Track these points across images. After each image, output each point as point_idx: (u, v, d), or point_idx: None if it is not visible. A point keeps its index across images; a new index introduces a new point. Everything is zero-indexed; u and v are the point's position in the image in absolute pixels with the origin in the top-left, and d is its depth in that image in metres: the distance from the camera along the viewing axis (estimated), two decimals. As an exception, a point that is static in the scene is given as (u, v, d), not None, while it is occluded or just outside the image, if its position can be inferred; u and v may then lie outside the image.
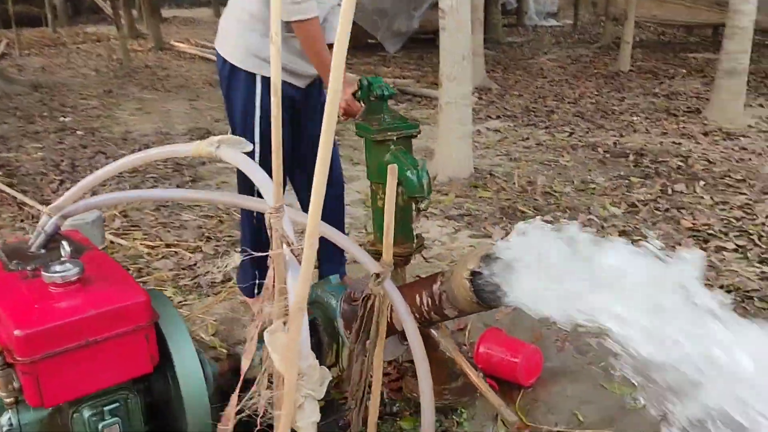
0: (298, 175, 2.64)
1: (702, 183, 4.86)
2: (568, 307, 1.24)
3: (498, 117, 7.12)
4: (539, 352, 2.35)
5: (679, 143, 6.04)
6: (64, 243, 1.52)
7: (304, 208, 2.13)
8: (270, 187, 1.26)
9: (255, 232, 2.53)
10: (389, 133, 1.84)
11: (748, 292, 3.17)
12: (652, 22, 12.50)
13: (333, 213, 2.65)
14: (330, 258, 2.74)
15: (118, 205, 4.19)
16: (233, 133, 2.41)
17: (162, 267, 3.52)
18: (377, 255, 2.01)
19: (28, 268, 1.51)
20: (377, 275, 1.42)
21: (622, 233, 3.99)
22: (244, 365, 1.17)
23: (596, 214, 4.29)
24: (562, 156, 5.62)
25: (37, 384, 1.30)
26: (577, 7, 14.77)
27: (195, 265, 3.60)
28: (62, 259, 1.50)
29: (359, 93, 1.97)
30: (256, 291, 2.69)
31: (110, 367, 1.39)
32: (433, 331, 2.01)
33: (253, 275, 2.55)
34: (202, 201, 3.81)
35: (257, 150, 2.25)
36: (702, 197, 4.59)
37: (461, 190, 4.77)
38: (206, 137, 6.28)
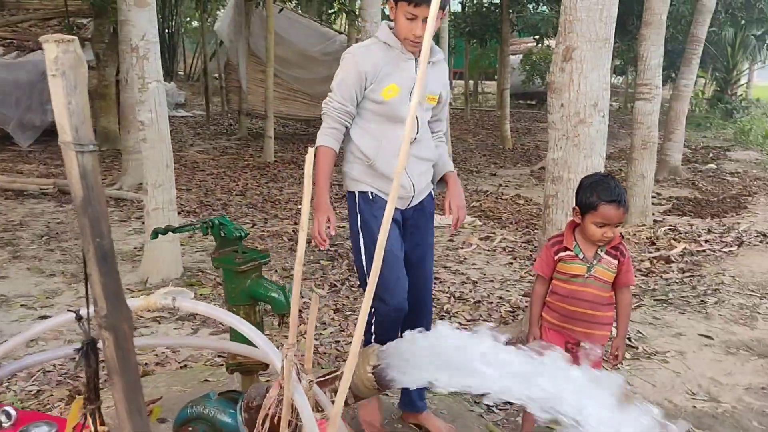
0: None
1: (375, 260, 5.95)
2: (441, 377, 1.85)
3: (179, 213, 7.37)
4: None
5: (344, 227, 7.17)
6: (9, 410, 1.56)
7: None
8: (254, 334, 1.60)
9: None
10: (250, 264, 2.21)
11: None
12: (278, 117, 14.04)
13: None
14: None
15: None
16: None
17: None
18: (238, 368, 2.34)
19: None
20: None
21: (336, 311, 4.75)
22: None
23: (307, 297, 4.97)
24: (255, 247, 6.20)
25: None
26: (207, 99, 15.72)
27: None
28: (8, 424, 1.54)
29: (212, 230, 2.27)
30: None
31: None
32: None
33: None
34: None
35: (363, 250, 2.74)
36: (380, 272, 5.65)
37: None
38: None
